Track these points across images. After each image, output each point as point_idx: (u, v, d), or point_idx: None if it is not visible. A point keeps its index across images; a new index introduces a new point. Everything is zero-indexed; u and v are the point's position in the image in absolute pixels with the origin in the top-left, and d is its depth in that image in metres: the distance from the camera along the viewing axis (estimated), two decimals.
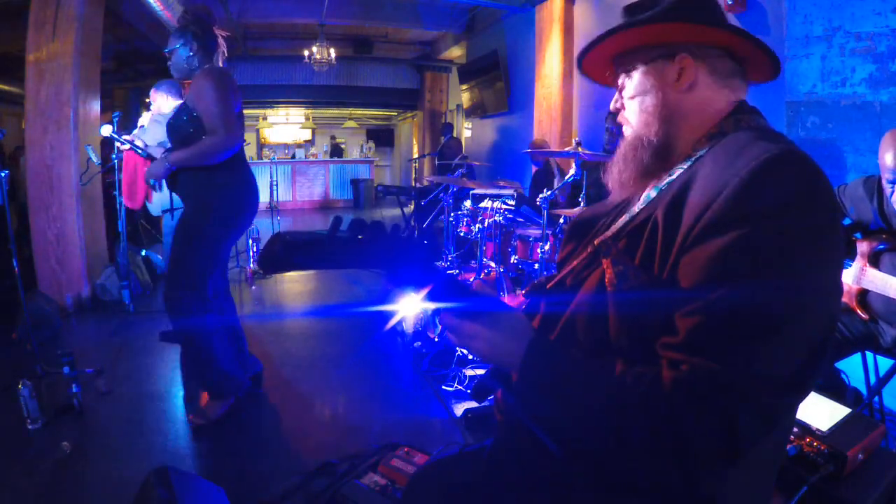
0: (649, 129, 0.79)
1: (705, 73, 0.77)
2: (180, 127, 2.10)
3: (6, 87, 7.04)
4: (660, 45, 0.78)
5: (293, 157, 11.24)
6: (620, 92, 0.84)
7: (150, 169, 2.15)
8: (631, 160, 0.81)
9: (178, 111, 2.12)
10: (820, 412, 1.36)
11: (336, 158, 11.67)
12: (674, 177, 0.75)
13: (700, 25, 0.74)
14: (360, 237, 0.65)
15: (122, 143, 2.90)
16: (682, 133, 0.78)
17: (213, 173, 2.09)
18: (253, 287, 4.58)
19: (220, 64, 2.20)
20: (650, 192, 0.78)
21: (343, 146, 13.13)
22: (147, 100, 3.27)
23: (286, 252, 0.63)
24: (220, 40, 2.20)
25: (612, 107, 0.87)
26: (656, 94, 0.78)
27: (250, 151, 11.45)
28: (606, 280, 0.73)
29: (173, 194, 3.16)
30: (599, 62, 0.87)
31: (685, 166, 0.75)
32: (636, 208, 0.78)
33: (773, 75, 0.81)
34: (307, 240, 0.64)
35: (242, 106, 2.19)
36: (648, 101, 0.79)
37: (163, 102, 3.15)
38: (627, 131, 0.84)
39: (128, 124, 4.55)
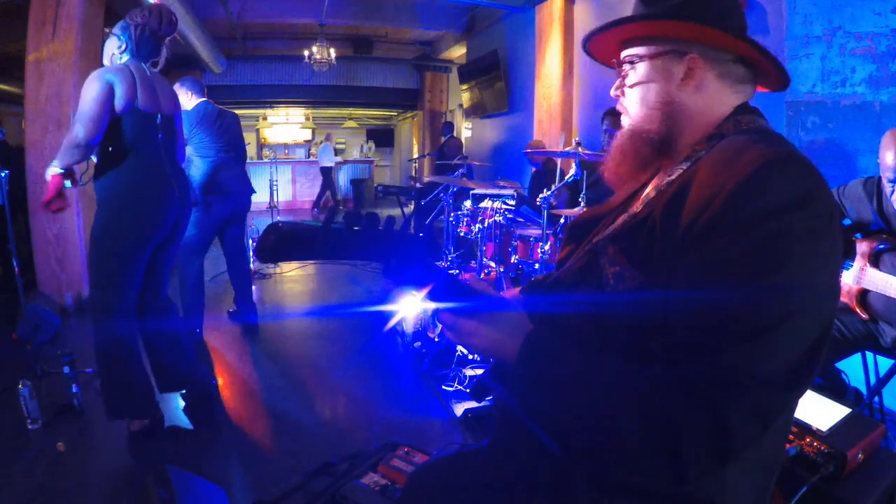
0: (651, 123, 0.78)
1: (714, 77, 0.76)
2: None
3: (6, 87, 7.04)
4: (671, 41, 0.77)
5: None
6: (623, 79, 0.83)
7: (49, 169, 2.05)
8: (629, 153, 0.80)
9: None
10: (820, 412, 1.36)
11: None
12: (673, 177, 0.74)
13: (711, 28, 0.73)
14: (355, 228, 0.65)
15: None
16: (685, 132, 0.78)
17: (112, 175, 2.03)
18: (253, 287, 4.58)
19: (154, 70, 2.12)
20: (649, 193, 0.78)
21: (338, 147, 13.13)
22: None
23: (281, 242, 0.63)
24: (162, 53, 2.14)
25: (612, 92, 0.85)
26: (660, 88, 0.78)
27: (250, 151, 11.45)
28: (603, 280, 0.73)
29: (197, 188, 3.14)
30: (608, 45, 0.86)
31: (684, 167, 0.74)
32: (635, 209, 0.78)
33: (782, 87, 0.80)
34: (302, 230, 0.64)
35: (140, 104, 2.04)
36: (651, 95, 0.78)
37: (185, 99, 3.14)
38: (625, 121, 0.83)
39: None
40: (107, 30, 2.10)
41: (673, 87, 0.77)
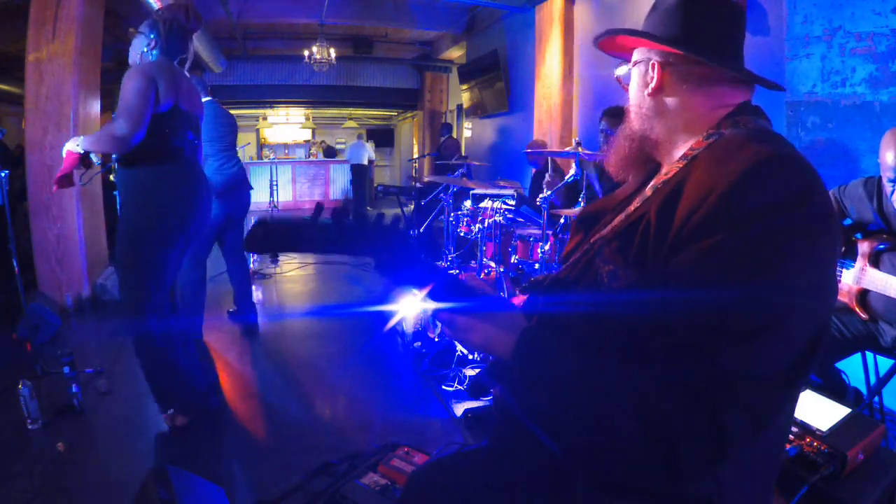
0: (635, 123, 0.85)
1: (675, 80, 0.79)
2: None
3: (6, 87, 7.04)
4: (643, 50, 0.83)
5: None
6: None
7: (68, 143, 2.05)
8: (620, 148, 0.88)
9: None
10: (820, 412, 1.36)
11: (332, 159, 11.63)
12: (669, 176, 0.75)
13: (654, 43, 0.79)
14: (342, 223, 0.66)
15: None
16: (662, 132, 0.81)
17: (150, 171, 2.01)
18: (253, 287, 4.58)
19: (183, 69, 2.11)
20: (646, 192, 0.79)
21: (338, 147, 13.10)
22: None
23: (270, 234, 0.66)
24: (190, 49, 2.14)
25: None
26: (638, 91, 0.84)
27: (250, 151, 11.46)
28: (598, 279, 0.74)
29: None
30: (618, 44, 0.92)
31: (681, 165, 0.75)
32: (632, 207, 0.79)
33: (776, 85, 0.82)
34: (291, 223, 0.66)
35: (179, 102, 2.02)
36: (634, 98, 0.85)
37: None
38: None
39: None
40: (136, 27, 2.10)
41: (646, 90, 0.82)
